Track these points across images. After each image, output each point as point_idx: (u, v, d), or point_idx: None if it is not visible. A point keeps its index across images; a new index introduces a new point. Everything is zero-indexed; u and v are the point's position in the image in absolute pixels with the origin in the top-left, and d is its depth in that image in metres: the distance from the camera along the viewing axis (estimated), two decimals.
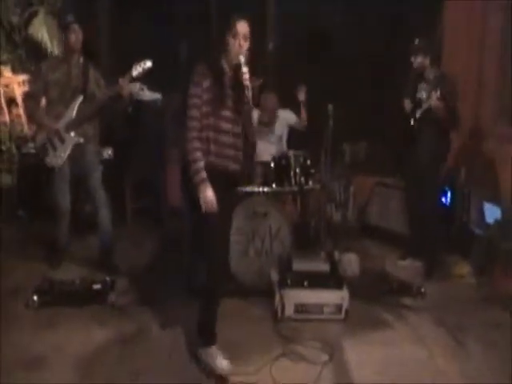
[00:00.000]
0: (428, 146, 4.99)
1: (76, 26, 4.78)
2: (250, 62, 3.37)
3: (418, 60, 4.98)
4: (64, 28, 4.85)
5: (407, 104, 5.16)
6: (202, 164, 3.32)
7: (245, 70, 3.30)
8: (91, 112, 4.81)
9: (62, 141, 4.80)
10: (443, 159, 5.17)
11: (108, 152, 6.03)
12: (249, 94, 3.32)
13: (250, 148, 3.62)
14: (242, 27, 3.33)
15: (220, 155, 3.41)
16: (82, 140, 4.82)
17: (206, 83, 3.35)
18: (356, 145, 6.25)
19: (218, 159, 3.41)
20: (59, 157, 4.81)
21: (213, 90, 3.36)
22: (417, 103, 5.05)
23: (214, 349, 3.59)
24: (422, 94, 5.01)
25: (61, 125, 4.78)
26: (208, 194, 3.30)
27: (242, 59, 3.33)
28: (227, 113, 3.43)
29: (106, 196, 4.96)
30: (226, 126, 3.43)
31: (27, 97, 4.96)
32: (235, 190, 3.71)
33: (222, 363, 3.51)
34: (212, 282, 3.55)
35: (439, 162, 5.14)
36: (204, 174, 3.31)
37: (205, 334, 3.62)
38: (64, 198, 4.94)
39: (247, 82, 3.30)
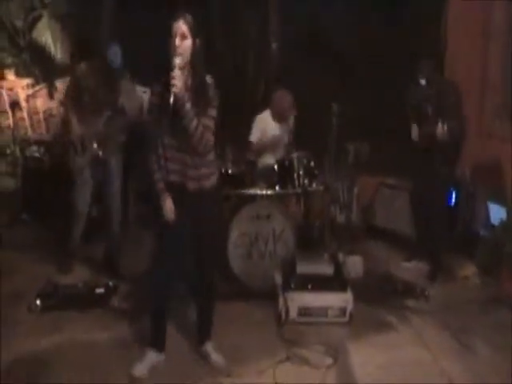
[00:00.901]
0: (440, 154, 4.95)
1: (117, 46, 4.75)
2: (193, 63, 3.24)
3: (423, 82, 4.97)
4: (103, 42, 4.77)
5: (414, 131, 5.05)
6: (158, 176, 3.34)
7: (174, 73, 3.12)
8: (117, 128, 4.76)
9: (84, 149, 4.77)
10: (454, 163, 5.14)
11: None
12: (178, 100, 3.14)
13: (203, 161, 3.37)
14: (177, 27, 3.19)
15: (167, 169, 3.34)
16: (101, 153, 4.78)
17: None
18: (360, 145, 6.21)
19: (166, 174, 3.34)
20: (79, 164, 4.80)
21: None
22: (423, 119, 4.98)
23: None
24: (428, 109, 4.96)
25: (86, 133, 4.73)
26: (167, 203, 3.34)
27: (176, 61, 3.14)
28: (168, 125, 3.29)
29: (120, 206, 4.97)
30: (169, 139, 3.31)
31: (65, 97, 4.94)
32: (198, 208, 3.41)
33: None
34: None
35: (451, 167, 5.11)
36: (161, 185, 3.35)
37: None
38: (83, 205, 4.91)
39: (174, 87, 3.10)
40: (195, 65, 3.25)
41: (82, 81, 4.74)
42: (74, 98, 4.79)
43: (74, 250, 5.09)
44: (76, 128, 4.75)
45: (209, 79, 3.32)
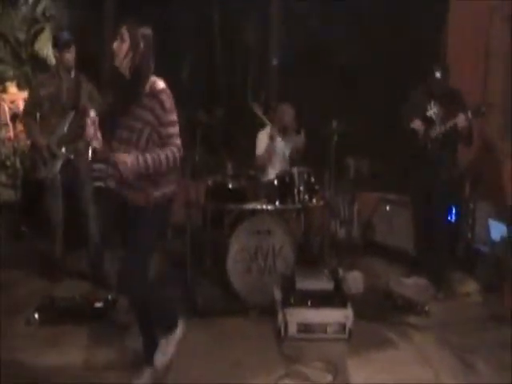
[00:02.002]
0: (445, 165, 4.97)
1: (71, 44, 4.82)
2: (138, 70, 3.19)
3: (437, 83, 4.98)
4: (59, 45, 4.83)
5: (418, 124, 5.01)
6: None
7: (87, 129, 3.21)
8: (82, 127, 4.76)
9: (53, 156, 4.80)
10: (457, 177, 5.13)
11: None
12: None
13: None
14: (119, 31, 3.20)
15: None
16: (72, 156, 4.81)
17: None
18: (360, 160, 6.23)
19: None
20: (49, 171, 4.82)
21: None
22: (428, 122, 5.00)
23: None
24: (433, 113, 4.99)
25: (52, 140, 4.78)
26: None
27: (116, 63, 3.22)
28: None
29: (96, 210, 4.99)
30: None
31: (23, 113, 5.02)
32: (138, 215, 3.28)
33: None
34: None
35: (455, 181, 5.09)
36: None
37: None
38: (56, 212, 4.97)
39: (93, 143, 3.19)
40: (137, 71, 3.20)
41: (42, 90, 4.80)
42: (34, 111, 4.86)
43: (59, 259, 5.11)
44: (40, 138, 4.79)
45: (161, 84, 3.23)
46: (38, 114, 4.89)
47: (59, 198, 4.95)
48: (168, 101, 3.20)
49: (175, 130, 3.22)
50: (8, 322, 4.23)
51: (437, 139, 4.93)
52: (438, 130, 4.93)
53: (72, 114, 4.78)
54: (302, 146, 5.60)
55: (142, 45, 3.19)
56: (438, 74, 4.94)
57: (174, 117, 3.23)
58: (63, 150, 4.80)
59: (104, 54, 7.20)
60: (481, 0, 5.91)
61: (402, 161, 5.32)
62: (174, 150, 3.18)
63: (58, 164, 4.82)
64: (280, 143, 5.55)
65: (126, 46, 3.18)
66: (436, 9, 6.47)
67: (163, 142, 3.20)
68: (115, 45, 3.20)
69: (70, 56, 4.82)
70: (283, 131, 5.58)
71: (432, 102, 5.03)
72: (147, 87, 3.21)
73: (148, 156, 3.12)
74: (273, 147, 5.50)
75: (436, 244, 5.15)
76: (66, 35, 4.86)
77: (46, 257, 5.23)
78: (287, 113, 5.61)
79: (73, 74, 4.89)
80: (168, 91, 3.23)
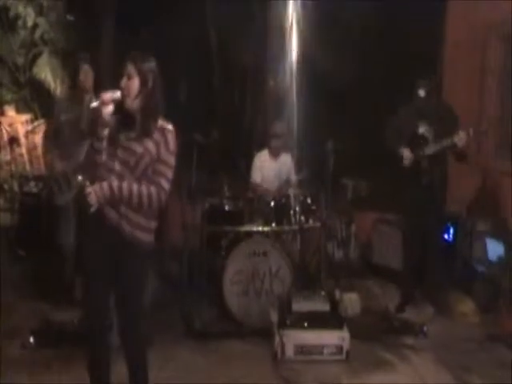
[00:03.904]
0: (437, 184, 4.95)
1: (87, 66, 4.72)
2: (148, 109, 3.03)
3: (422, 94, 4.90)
4: (74, 67, 4.76)
5: (406, 154, 4.90)
6: None
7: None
8: None
9: (68, 183, 4.75)
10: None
11: None
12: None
13: None
14: (124, 67, 3.02)
15: None
16: (88, 184, 4.76)
17: None
18: (357, 180, 6.23)
19: None
20: (63, 198, 4.78)
21: None
22: (420, 140, 4.94)
23: None
24: (425, 130, 4.93)
25: (69, 167, 4.70)
26: None
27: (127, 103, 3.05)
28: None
29: None
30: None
31: (44, 137, 4.97)
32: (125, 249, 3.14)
33: None
34: None
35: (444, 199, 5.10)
36: None
37: None
38: (67, 238, 4.90)
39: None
40: (146, 108, 3.03)
41: (62, 116, 4.75)
42: (54, 135, 4.81)
43: (69, 286, 5.01)
44: (58, 164, 4.75)
45: (170, 126, 3.08)
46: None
47: (70, 224, 4.85)
48: (173, 143, 3.05)
49: (168, 171, 3.05)
50: (3, 346, 4.21)
51: (430, 157, 4.87)
52: (432, 148, 4.86)
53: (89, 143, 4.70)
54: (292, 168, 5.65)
55: (151, 80, 3.01)
56: (423, 91, 4.90)
57: (172, 159, 3.06)
58: (79, 178, 4.75)
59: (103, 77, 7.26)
60: (478, 18, 5.97)
61: (395, 181, 5.29)
62: (153, 189, 3.02)
63: (72, 192, 4.74)
64: (275, 166, 5.56)
65: (135, 82, 2.99)
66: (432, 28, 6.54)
67: (152, 178, 3.05)
68: (123, 83, 2.99)
69: (83, 77, 4.70)
70: (275, 149, 5.58)
71: (422, 120, 4.93)
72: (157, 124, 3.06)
73: (124, 185, 3.05)
74: (268, 171, 5.50)
75: (432, 265, 5.12)
76: (82, 54, 4.76)
77: (49, 282, 5.20)
78: (278, 127, 5.63)
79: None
80: (175, 135, 3.08)
